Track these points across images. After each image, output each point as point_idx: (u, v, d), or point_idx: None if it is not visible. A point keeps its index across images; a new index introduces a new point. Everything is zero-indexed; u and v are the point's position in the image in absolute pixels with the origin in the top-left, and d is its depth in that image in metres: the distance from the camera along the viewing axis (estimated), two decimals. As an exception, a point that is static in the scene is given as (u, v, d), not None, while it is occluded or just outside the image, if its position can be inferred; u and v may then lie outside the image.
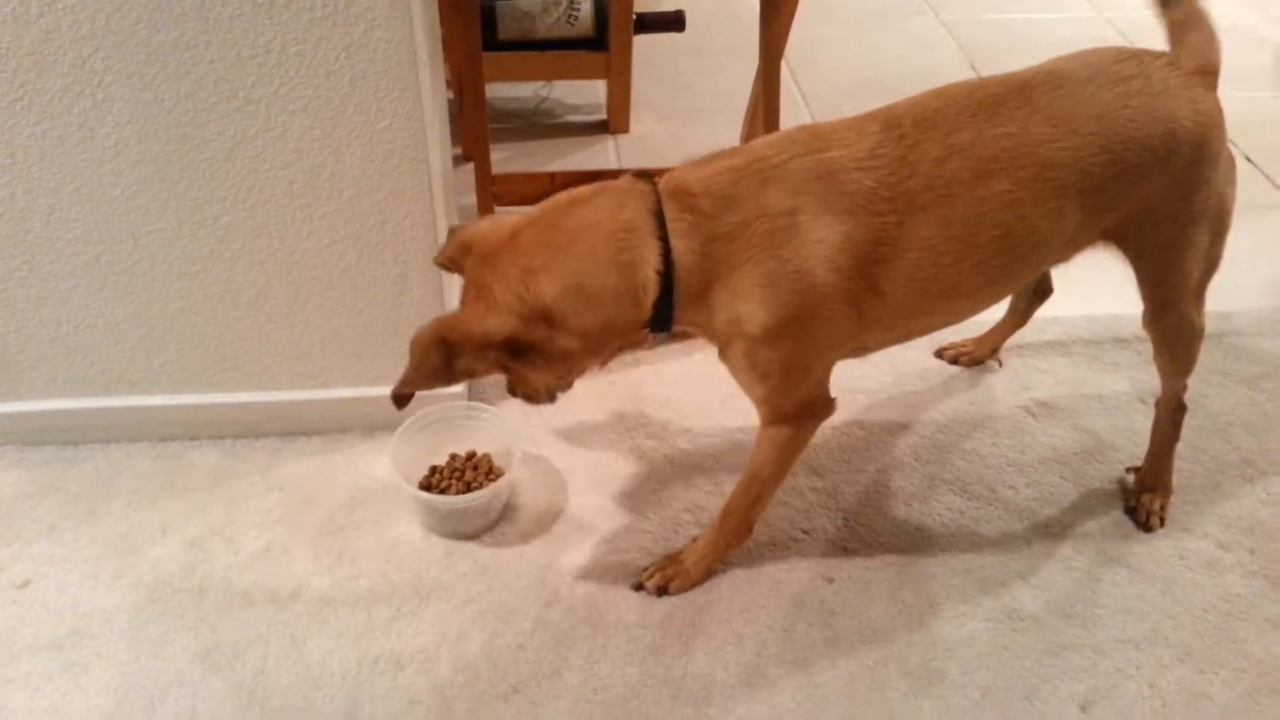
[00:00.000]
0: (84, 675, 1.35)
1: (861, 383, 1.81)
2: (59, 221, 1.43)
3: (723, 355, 1.27)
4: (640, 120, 2.55)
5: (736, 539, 1.46)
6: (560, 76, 2.52)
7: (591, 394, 1.78)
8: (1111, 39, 2.97)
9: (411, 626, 1.41)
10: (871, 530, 1.56)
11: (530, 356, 1.17)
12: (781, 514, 1.58)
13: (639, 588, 1.46)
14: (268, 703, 1.33)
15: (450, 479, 1.56)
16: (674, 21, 2.43)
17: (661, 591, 1.45)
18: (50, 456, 1.64)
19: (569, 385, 1.31)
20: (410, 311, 1.58)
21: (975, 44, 2.93)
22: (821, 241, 1.13)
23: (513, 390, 1.32)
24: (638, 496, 1.61)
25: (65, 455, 1.64)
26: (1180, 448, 1.70)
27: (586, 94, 2.64)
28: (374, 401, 1.67)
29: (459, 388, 1.68)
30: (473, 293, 1.16)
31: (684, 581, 1.45)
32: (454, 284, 1.69)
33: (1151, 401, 1.60)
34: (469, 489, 1.54)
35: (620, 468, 1.66)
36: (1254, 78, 2.79)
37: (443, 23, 2.10)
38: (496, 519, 1.55)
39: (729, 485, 1.62)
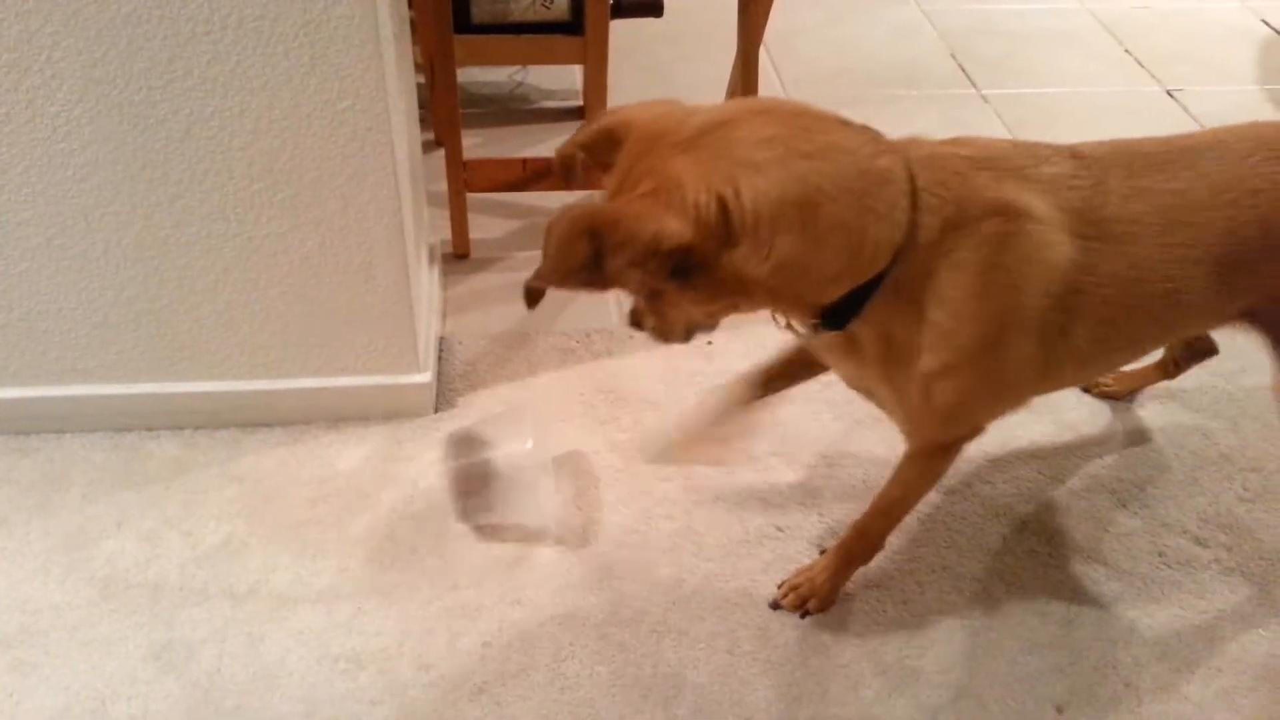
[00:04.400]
0: (33, 674, 1.30)
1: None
2: (7, 204, 1.37)
3: (873, 371, 1.11)
4: (617, 107, 2.51)
5: (866, 558, 1.42)
6: (535, 61, 2.46)
7: (561, 387, 1.75)
8: (1091, 30, 2.95)
9: (373, 625, 1.37)
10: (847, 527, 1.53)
11: (695, 277, 0.93)
12: (757, 510, 1.55)
13: (775, 606, 1.42)
14: (223, 703, 1.28)
15: None
16: (652, 6, 2.39)
17: (803, 612, 1.41)
18: (1, 447, 1.59)
19: (715, 325, 1.10)
20: (375, 299, 1.53)
21: (955, 33, 2.90)
22: (1044, 260, 1.02)
23: (637, 320, 1.10)
24: (609, 491, 1.57)
25: (17, 446, 1.59)
26: (1160, 443, 1.69)
27: (563, 79, 2.60)
28: (339, 392, 1.62)
29: (426, 376, 1.64)
30: (645, 181, 0.91)
31: (821, 601, 1.42)
32: (420, 275, 1.65)
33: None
34: None
35: (590, 463, 1.62)
36: (1239, 71, 2.78)
37: (414, 4, 2.06)
38: None
39: (704, 479, 1.59)
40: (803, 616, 1.41)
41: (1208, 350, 1.62)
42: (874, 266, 0.98)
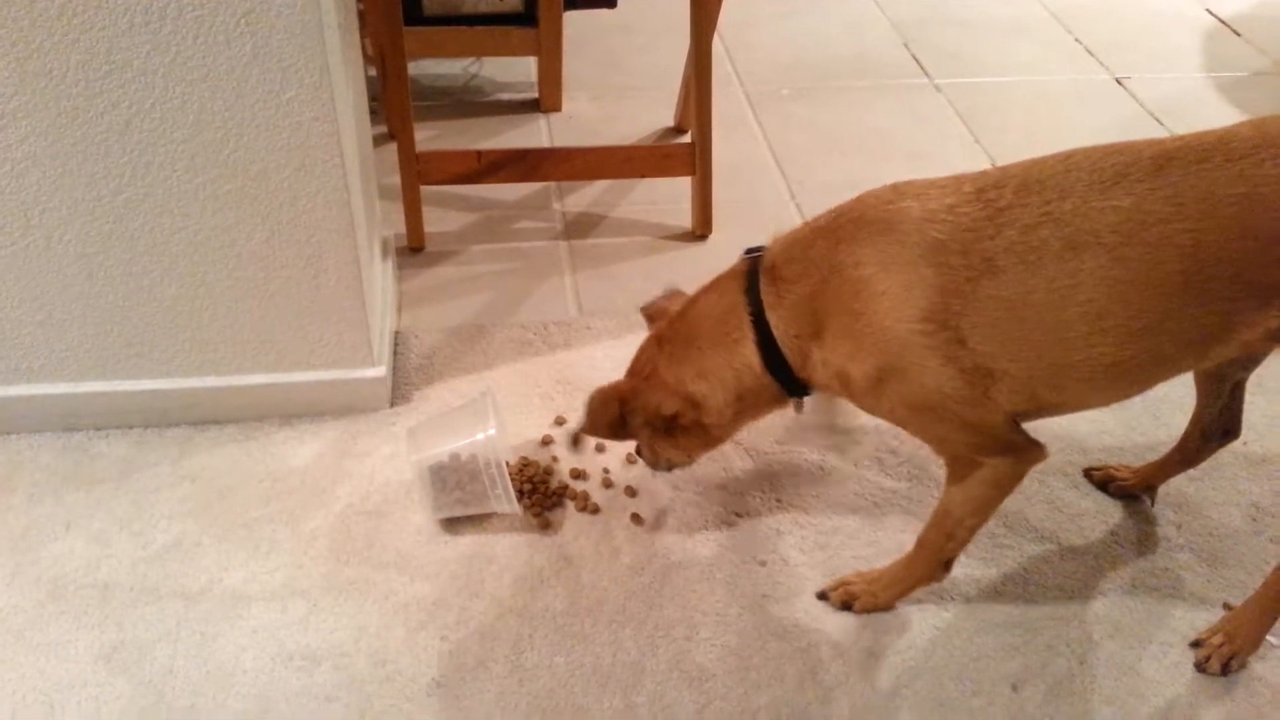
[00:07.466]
0: (-22, 680, 1.28)
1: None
2: (-57, 200, 1.34)
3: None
4: (573, 99, 2.50)
5: (928, 574, 1.36)
6: (489, 53, 2.45)
7: (518, 379, 1.74)
8: (1041, 19, 2.98)
9: (329, 621, 1.36)
10: (805, 512, 1.54)
11: (680, 432, 1.35)
12: (716, 497, 1.56)
13: (822, 596, 1.42)
14: (176, 703, 1.26)
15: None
16: (605, -3, 2.39)
17: (845, 607, 1.41)
18: (-56, 450, 1.55)
19: (690, 463, 1.47)
20: (327, 293, 1.52)
21: (908, 23, 2.92)
22: (886, 294, 1.13)
23: (638, 451, 1.48)
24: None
25: (-40, 449, 1.56)
26: (1111, 425, 1.71)
27: (517, 71, 2.58)
28: (291, 387, 1.60)
29: (381, 370, 1.63)
30: (647, 367, 1.33)
31: (869, 602, 1.40)
32: (373, 268, 1.63)
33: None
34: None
35: (548, 453, 1.62)
36: (1185, 59, 2.82)
37: (362, -6, 2.03)
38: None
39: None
40: (842, 610, 1.41)
41: (1229, 430, 1.46)
42: (758, 368, 1.25)
